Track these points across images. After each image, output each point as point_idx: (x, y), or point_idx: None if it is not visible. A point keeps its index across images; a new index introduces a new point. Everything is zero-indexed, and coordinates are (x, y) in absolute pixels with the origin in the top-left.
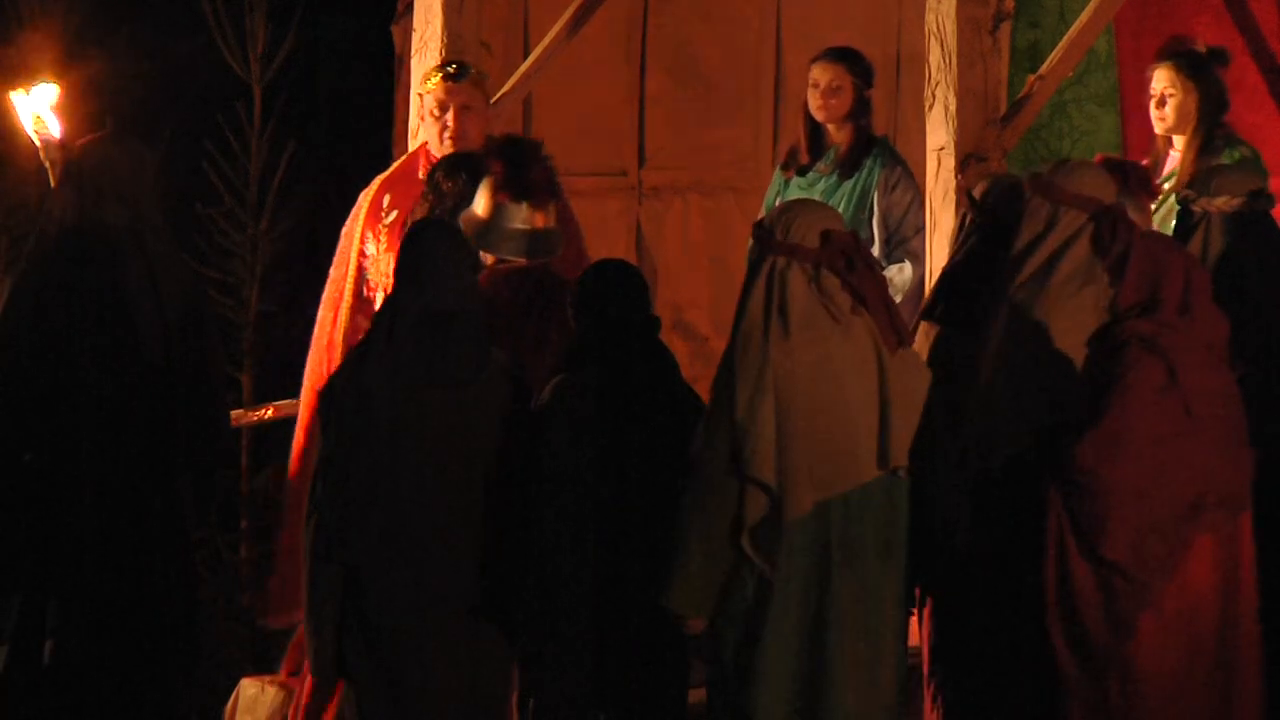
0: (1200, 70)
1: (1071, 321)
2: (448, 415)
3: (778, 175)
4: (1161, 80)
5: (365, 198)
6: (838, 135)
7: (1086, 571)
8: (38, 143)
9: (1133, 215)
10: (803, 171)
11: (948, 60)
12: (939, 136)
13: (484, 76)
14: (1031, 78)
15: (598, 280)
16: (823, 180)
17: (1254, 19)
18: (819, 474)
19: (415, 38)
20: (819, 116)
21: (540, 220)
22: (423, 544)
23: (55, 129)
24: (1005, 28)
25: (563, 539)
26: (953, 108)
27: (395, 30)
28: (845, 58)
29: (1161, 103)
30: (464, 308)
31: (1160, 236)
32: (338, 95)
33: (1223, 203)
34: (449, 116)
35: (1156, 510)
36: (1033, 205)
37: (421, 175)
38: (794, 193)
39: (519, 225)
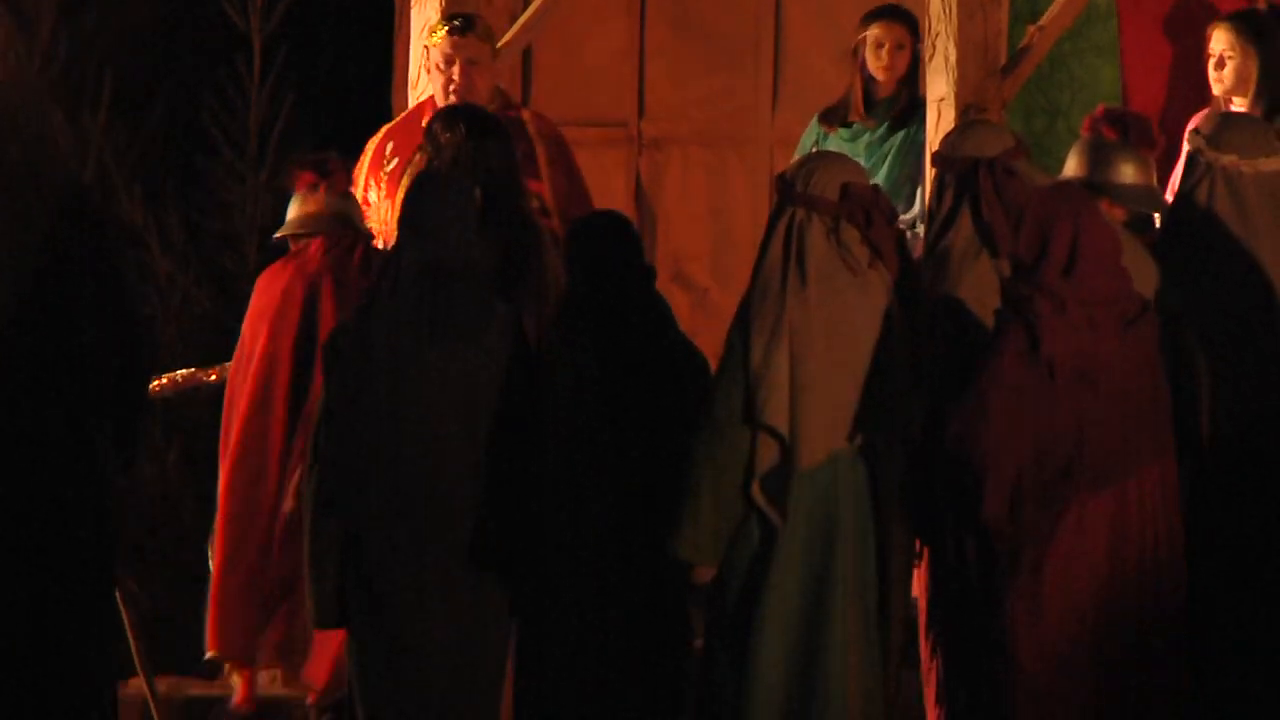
0: (1262, 32)
1: (975, 290)
2: (450, 370)
3: (815, 126)
4: (1221, 42)
5: (370, 145)
6: (886, 90)
7: (970, 541)
8: None
9: (1133, 168)
10: (846, 124)
11: (948, 10)
12: (939, 87)
13: (489, 33)
14: (1031, 29)
15: (588, 232)
16: (868, 133)
17: None
18: (830, 425)
19: None
20: (881, 76)
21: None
22: (423, 499)
23: None
24: None
25: (563, 493)
26: (953, 58)
27: None
28: (906, 17)
29: (1220, 64)
30: (467, 262)
31: (1059, 188)
32: (337, 47)
33: (1229, 161)
34: (454, 71)
35: (1025, 477)
36: (934, 177)
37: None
38: (834, 145)
39: None
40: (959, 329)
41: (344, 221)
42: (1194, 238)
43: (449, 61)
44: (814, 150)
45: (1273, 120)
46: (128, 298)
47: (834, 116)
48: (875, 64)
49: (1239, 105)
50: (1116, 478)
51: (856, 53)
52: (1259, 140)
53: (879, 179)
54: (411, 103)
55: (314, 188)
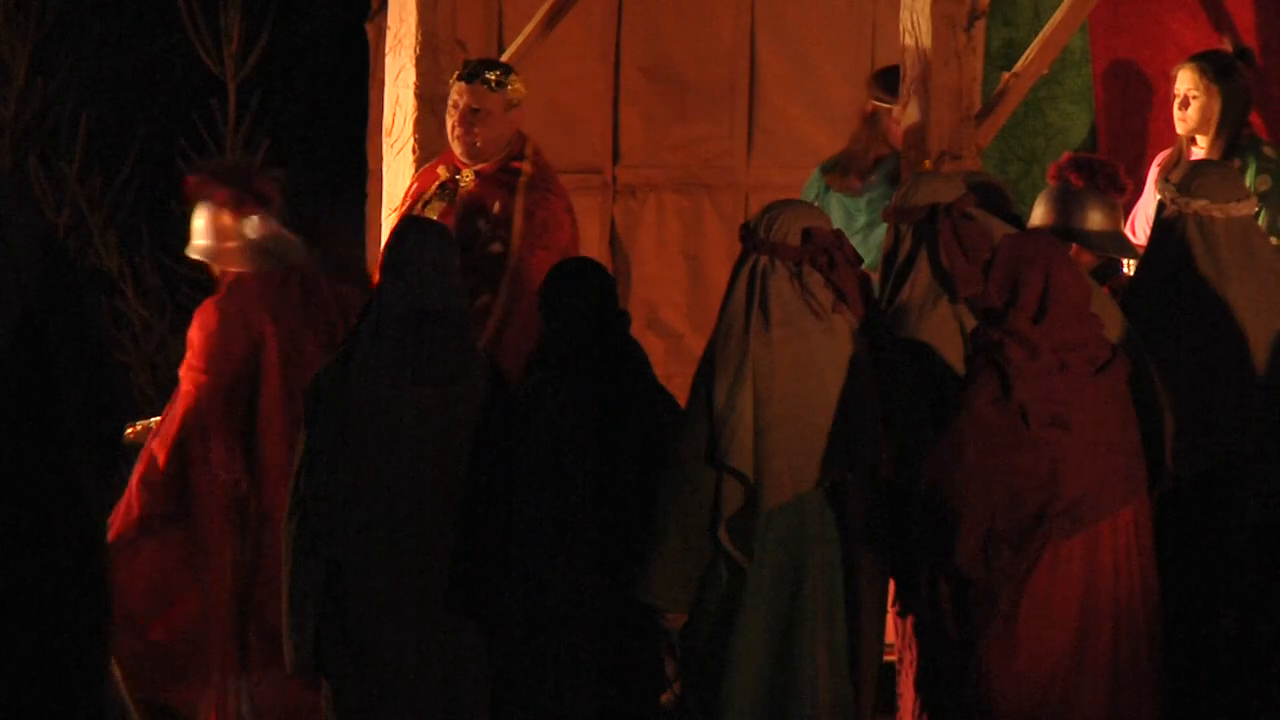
0: (1224, 73)
1: (935, 336)
2: (431, 413)
3: (817, 178)
4: (1185, 82)
5: (421, 172)
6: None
7: (943, 583)
8: None
9: (1100, 214)
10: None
11: (922, 59)
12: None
13: (502, 85)
14: (1006, 75)
15: (561, 279)
16: (870, 189)
17: (1230, 17)
18: (796, 466)
19: (389, 35)
20: (896, 144)
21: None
22: (404, 540)
23: None
24: (980, 25)
25: (540, 538)
26: (928, 105)
27: (369, 28)
28: None
29: (1185, 104)
30: (449, 306)
31: (1029, 236)
32: (311, 93)
33: (1201, 206)
34: (455, 115)
35: (999, 521)
36: (889, 229)
37: (440, 169)
38: (836, 198)
39: (250, 236)
40: (923, 372)
41: (281, 255)
42: (1166, 282)
43: (455, 106)
44: (816, 202)
45: (1230, 159)
46: (98, 344)
47: (837, 169)
48: (895, 133)
49: (1202, 144)
50: (1089, 520)
51: (876, 119)
52: (1228, 185)
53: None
54: (385, 148)
55: (241, 212)
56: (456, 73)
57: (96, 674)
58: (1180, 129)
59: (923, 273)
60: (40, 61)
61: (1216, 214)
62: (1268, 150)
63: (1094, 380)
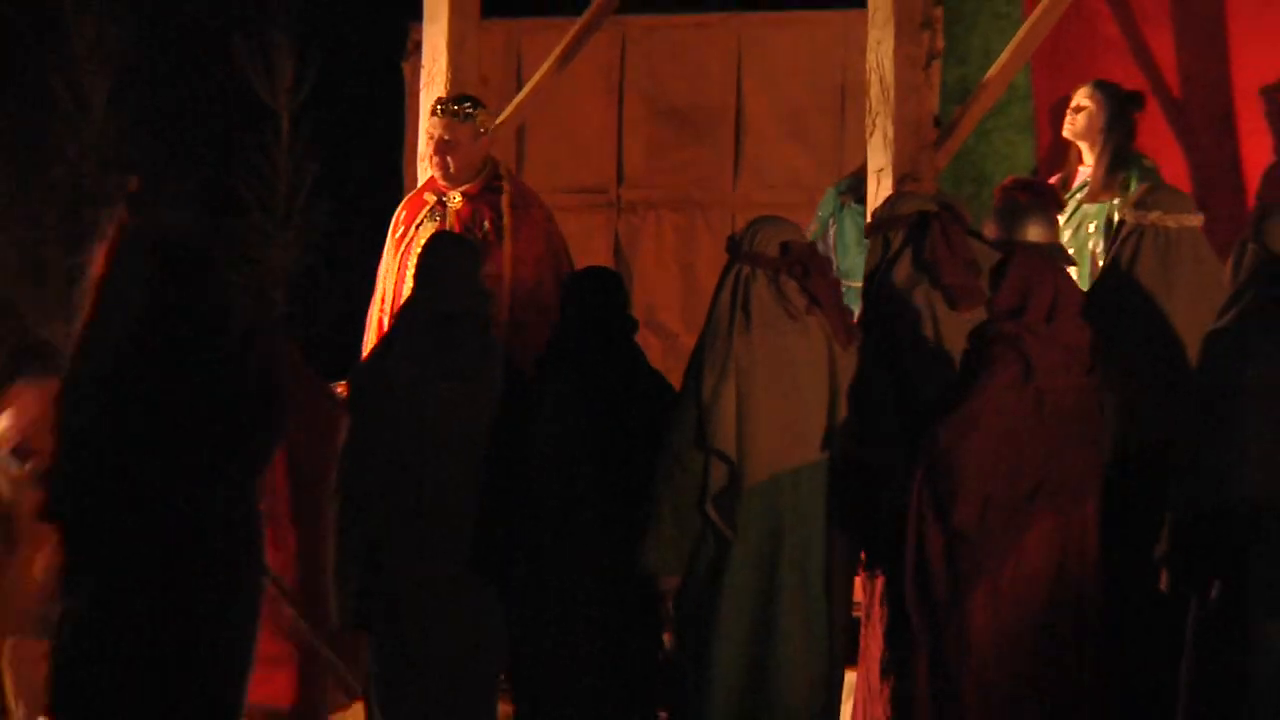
0: (1113, 96)
1: (913, 315)
2: (455, 404)
3: (832, 197)
4: (1080, 94)
5: (407, 199)
6: None
7: (938, 539)
8: None
9: (1040, 228)
10: (861, 200)
11: (886, 93)
12: (879, 159)
13: (470, 116)
14: (959, 109)
15: (582, 284)
16: None
17: (1153, 57)
18: (773, 449)
19: (424, 73)
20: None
21: None
22: (432, 516)
23: None
24: (936, 65)
25: (551, 514)
26: (890, 134)
27: (406, 67)
28: None
29: (1076, 111)
30: (471, 309)
31: (1039, 254)
32: (355, 122)
33: (1156, 217)
34: (431, 145)
35: (999, 491)
36: (871, 238)
37: (425, 195)
38: (849, 216)
39: None
40: (893, 357)
41: None
42: (1121, 289)
43: (430, 137)
44: (831, 219)
45: (1115, 175)
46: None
47: (850, 190)
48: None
49: (1087, 154)
50: (1065, 505)
51: None
52: (1180, 200)
53: None
54: (420, 171)
55: None
56: (432, 105)
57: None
58: (1066, 132)
59: (905, 264)
60: (115, 97)
61: (1170, 224)
62: (1146, 162)
63: (1086, 379)
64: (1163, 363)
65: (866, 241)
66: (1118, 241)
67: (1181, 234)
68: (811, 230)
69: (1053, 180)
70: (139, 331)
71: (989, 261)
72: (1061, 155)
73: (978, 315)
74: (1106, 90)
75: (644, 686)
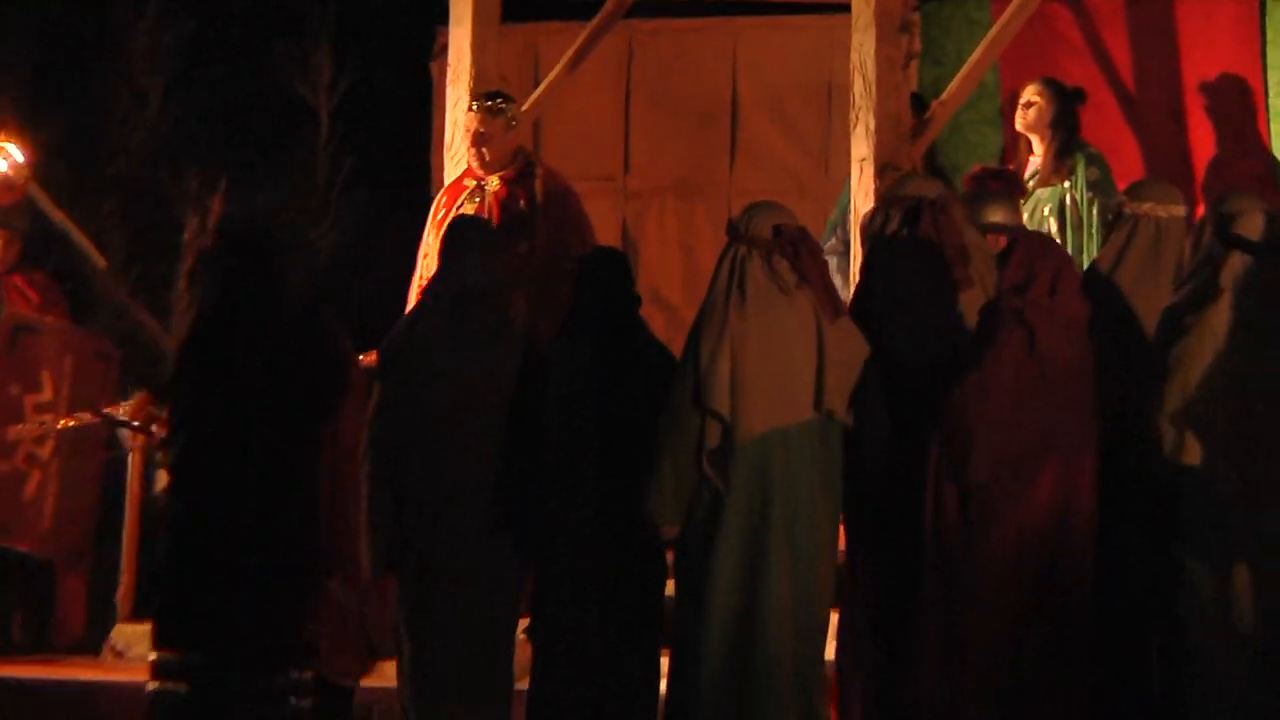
0: (1059, 92)
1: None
2: (476, 371)
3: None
4: (1029, 91)
5: (447, 187)
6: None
7: (953, 490)
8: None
9: (1004, 211)
10: None
11: (868, 90)
12: (861, 150)
13: (503, 111)
14: (934, 104)
15: (595, 262)
16: None
17: (1110, 57)
18: (764, 411)
19: (449, 72)
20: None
21: None
22: (455, 472)
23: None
24: (914, 65)
25: (563, 468)
26: (872, 127)
27: (433, 67)
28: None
29: (1027, 106)
30: (490, 286)
31: (1042, 237)
32: (388, 119)
33: (1149, 208)
34: (469, 137)
35: (1009, 448)
36: (876, 209)
37: (465, 180)
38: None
39: None
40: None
41: None
42: (1115, 271)
43: (468, 129)
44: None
45: (1063, 161)
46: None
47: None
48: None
49: (1037, 145)
50: (1066, 461)
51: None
52: (1168, 191)
53: None
54: (446, 163)
55: None
56: (469, 102)
57: None
58: (1018, 125)
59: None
60: (171, 92)
61: (1162, 214)
62: (1091, 149)
63: (1084, 350)
64: (1145, 336)
65: None
66: (1113, 226)
67: (1170, 223)
68: (831, 217)
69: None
70: (232, 306)
71: (980, 249)
72: (1023, 146)
73: (970, 297)
74: (1053, 87)
75: (648, 627)
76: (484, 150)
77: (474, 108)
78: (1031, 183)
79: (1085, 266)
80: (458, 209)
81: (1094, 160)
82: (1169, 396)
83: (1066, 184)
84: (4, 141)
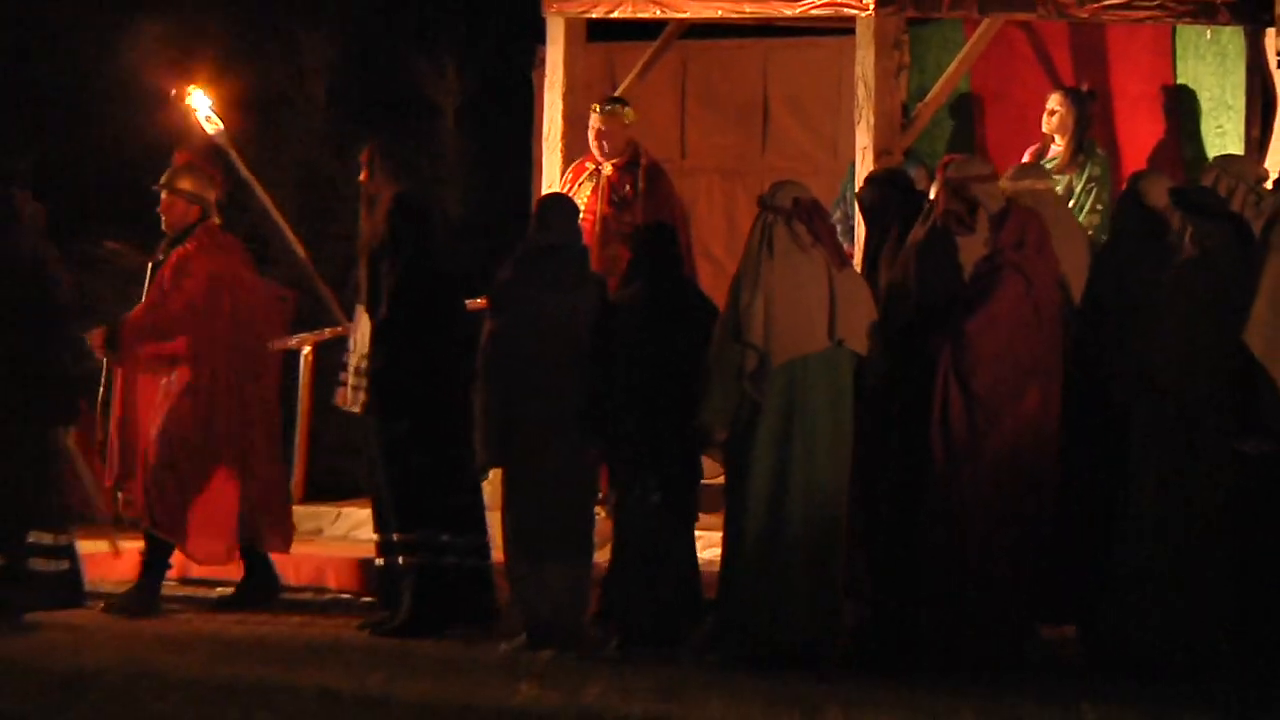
0: (1078, 99)
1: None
2: (561, 308)
3: (850, 170)
4: (1053, 100)
5: (572, 167)
6: None
7: (959, 399)
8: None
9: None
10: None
11: (868, 93)
12: (863, 140)
13: (619, 113)
14: (920, 104)
15: (645, 232)
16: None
17: (1055, 69)
18: (790, 341)
19: (547, 81)
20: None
21: None
22: (546, 386)
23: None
24: (905, 74)
25: (626, 383)
26: (872, 123)
27: (535, 74)
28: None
29: (1051, 114)
30: (569, 242)
31: (1026, 208)
32: (500, 112)
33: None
34: (592, 132)
35: (1006, 367)
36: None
37: (586, 164)
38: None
39: None
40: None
41: None
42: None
43: (591, 126)
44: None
45: (1076, 157)
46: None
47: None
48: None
49: (1059, 142)
50: (1046, 382)
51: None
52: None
53: None
54: (544, 151)
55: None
56: (593, 105)
57: None
58: (1045, 128)
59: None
60: (330, 93)
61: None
62: (1099, 150)
63: (1061, 299)
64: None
65: None
66: (1117, 210)
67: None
68: (838, 194)
69: (1029, 154)
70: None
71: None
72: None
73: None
74: (1072, 95)
75: (689, 500)
76: (603, 143)
77: (597, 110)
78: (1048, 167)
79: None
80: (578, 186)
81: (1098, 162)
82: (1128, 337)
83: (1072, 176)
84: (208, 106)
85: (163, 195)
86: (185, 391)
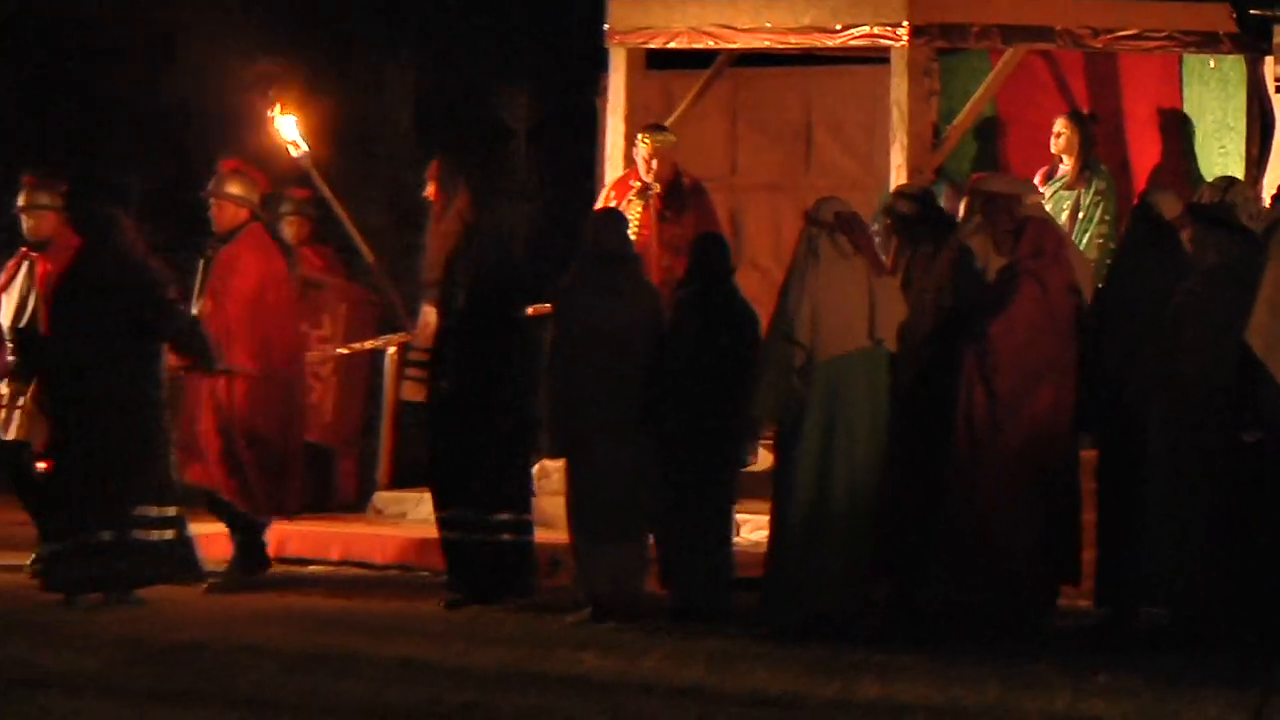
0: (1082, 122)
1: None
2: (617, 313)
3: (885, 195)
4: (1059, 124)
5: (614, 184)
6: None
7: (982, 396)
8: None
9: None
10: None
11: (902, 117)
12: (898, 159)
13: (666, 140)
14: (949, 127)
15: (701, 244)
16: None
17: (1072, 94)
18: (833, 341)
19: (609, 105)
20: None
21: None
22: (606, 381)
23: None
24: (935, 99)
25: (679, 384)
26: (905, 144)
27: (599, 100)
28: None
29: (1058, 136)
30: (623, 252)
31: (1047, 220)
32: (569, 135)
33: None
34: (641, 156)
35: (1025, 367)
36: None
37: (631, 182)
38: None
39: None
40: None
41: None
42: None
43: (639, 150)
44: None
45: (1083, 175)
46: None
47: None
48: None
49: (1067, 161)
50: (1061, 379)
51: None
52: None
53: None
54: (607, 170)
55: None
56: (640, 134)
57: None
58: (1054, 148)
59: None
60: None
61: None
62: (1103, 167)
63: (1074, 305)
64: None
65: None
66: (1130, 225)
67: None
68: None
69: (1040, 174)
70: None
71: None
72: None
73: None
74: (1075, 119)
75: (729, 482)
76: (653, 165)
77: (648, 139)
78: (1059, 184)
79: (1082, 248)
80: (627, 203)
81: (1103, 177)
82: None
83: (1081, 191)
84: (295, 128)
85: (211, 202)
86: (245, 380)
